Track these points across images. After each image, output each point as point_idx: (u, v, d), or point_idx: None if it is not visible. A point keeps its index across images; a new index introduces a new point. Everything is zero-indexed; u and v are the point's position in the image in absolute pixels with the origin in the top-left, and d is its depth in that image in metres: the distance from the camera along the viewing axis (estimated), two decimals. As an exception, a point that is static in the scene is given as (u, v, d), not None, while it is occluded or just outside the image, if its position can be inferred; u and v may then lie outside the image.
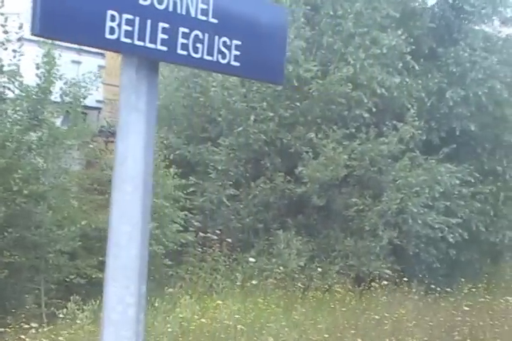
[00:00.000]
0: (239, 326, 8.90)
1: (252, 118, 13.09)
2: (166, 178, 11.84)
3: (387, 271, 13.09)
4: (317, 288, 12.29)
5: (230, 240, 12.35)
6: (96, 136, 15.11)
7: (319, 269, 13.01)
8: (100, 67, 14.49)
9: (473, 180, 13.87)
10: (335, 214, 13.63)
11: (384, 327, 9.46)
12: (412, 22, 14.32)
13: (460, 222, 13.72)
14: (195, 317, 9.28)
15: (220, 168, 13.19)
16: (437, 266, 13.69)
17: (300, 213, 13.65)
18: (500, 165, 14.49)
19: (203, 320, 9.17)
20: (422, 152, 13.90)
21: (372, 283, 12.47)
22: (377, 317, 9.85)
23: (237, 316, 9.50)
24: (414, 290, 12.42)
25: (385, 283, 12.12)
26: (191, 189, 13.31)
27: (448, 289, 13.29)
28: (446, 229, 13.36)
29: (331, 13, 13.45)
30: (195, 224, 12.33)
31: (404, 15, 14.14)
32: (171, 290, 10.77)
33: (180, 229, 11.98)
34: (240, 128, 13.20)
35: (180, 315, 9.49)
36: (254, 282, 11.80)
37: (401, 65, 13.62)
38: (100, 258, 11.13)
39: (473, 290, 13.04)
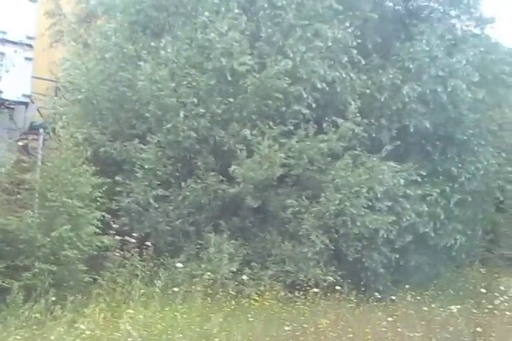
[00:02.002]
0: (139, 339, 8.44)
1: (182, 114, 12.65)
2: (79, 176, 11.31)
3: (328, 278, 12.67)
4: (249, 296, 11.89)
5: (149, 243, 11.88)
6: (26, 133, 14.53)
7: (252, 275, 12.60)
8: (27, 59, 13.91)
9: (419, 180, 13.44)
10: (271, 216, 13.31)
11: (300, 338, 9.04)
12: (359, 13, 13.86)
13: (406, 225, 13.30)
14: (95, 328, 8.81)
15: (147, 166, 12.79)
16: (381, 272, 13.31)
17: (235, 215, 13.32)
18: (453, 165, 14.09)
19: (102, 333, 8.70)
20: (369, 150, 13.53)
21: (310, 291, 12.07)
22: (298, 327, 9.42)
23: (142, 327, 9.04)
24: (353, 298, 12.04)
25: (317, 290, 11.68)
26: (118, 189, 12.79)
27: (393, 297, 12.87)
28: (386, 230, 12.89)
29: (268, 5, 13.00)
30: (114, 226, 11.79)
31: (349, 7, 13.68)
32: (81, 297, 10.29)
33: (99, 231, 11.44)
34: (169, 125, 12.80)
35: (82, 326, 9.02)
36: (176, 289, 11.34)
37: (346, 59, 13.20)
38: (11, 263, 10.58)
39: (418, 298, 12.66)
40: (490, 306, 13.05)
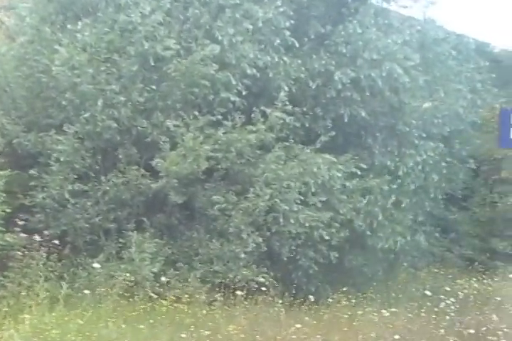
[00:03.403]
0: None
1: (100, 102, 11.99)
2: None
3: (259, 279, 12.08)
4: (169, 298, 11.30)
5: (62, 242, 11.24)
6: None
7: (178, 276, 12.03)
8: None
9: (359, 172, 12.83)
10: (198, 213, 12.75)
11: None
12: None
13: (343, 221, 12.71)
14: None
15: (63, 159, 12.17)
16: (315, 273, 12.73)
17: (160, 212, 12.77)
18: (392, 159, 13.48)
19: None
20: (303, 142, 12.97)
21: (238, 292, 11.51)
22: (199, 334, 8.81)
23: (31, 334, 8.42)
24: (281, 301, 11.48)
25: (241, 293, 11.10)
26: (32, 183, 12.14)
27: (329, 300, 12.32)
28: (322, 228, 12.32)
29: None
30: (20, 223, 11.14)
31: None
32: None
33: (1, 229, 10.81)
34: (87, 114, 12.11)
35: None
36: (87, 291, 10.73)
37: (278, 41, 12.58)
38: None
39: (354, 301, 12.08)
40: (435, 309, 12.60)
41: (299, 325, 9.69)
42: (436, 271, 17.76)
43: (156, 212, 12.69)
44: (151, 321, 9.60)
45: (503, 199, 20.80)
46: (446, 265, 19.12)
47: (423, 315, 11.56)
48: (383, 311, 11.29)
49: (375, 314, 11.34)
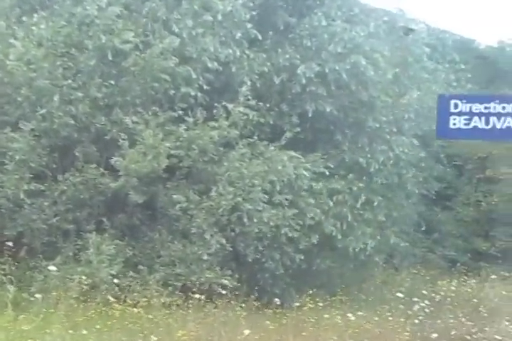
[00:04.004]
0: None
1: (57, 98, 11.61)
2: None
3: (223, 281, 11.71)
4: (126, 302, 10.92)
5: (11, 244, 10.82)
6: None
7: (139, 279, 11.66)
8: None
9: (327, 172, 12.45)
10: (160, 213, 12.33)
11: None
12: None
13: (311, 223, 12.33)
14: None
15: (18, 157, 11.76)
16: (282, 275, 12.38)
17: (121, 212, 12.36)
18: (363, 155, 13.10)
19: None
20: (270, 139, 12.58)
21: (196, 296, 11.14)
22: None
23: None
24: (244, 305, 11.10)
25: (199, 296, 10.72)
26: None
27: (296, 303, 11.92)
28: (288, 227, 11.94)
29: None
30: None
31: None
32: None
33: None
34: (44, 111, 11.70)
35: None
36: (38, 295, 10.36)
37: (239, 35, 12.21)
38: None
39: (321, 304, 11.70)
40: (408, 312, 12.24)
41: (247, 331, 9.27)
42: (415, 272, 17.40)
43: (116, 212, 12.34)
44: (98, 326, 9.18)
45: (487, 199, 20.49)
46: (427, 266, 18.77)
47: (391, 318, 11.20)
48: (349, 315, 10.89)
49: (341, 318, 10.94)
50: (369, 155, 13.39)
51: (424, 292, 13.86)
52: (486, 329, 11.03)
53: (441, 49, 15.26)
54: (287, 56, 12.85)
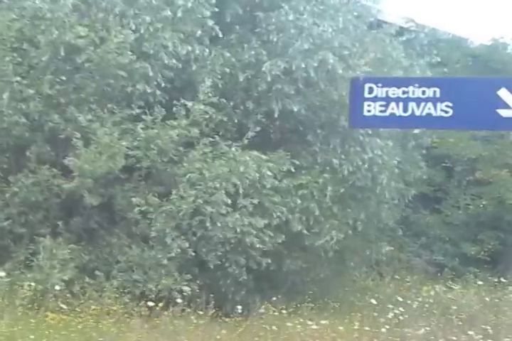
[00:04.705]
0: None
1: (6, 96, 11.16)
2: None
3: (184, 288, 11.23)
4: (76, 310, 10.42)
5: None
6: None
7: (95, 286, 11.20)
8: None
9: (293, 170, 11.97)
10: (119, 216, 11.85)
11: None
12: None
13: (278, 223, 11.83)
14: None
15: (-35, 158, 11.23)
16: (246, 281, 11.87)
17: (77, 215, 11.83)
18: (336, 156, 12.56)
19: None
20: (234, 139, 12.07)
21: (150, 303, 10.70)
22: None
23: None
24: (202, 313, 10.62)
25: (159, 303, 10.29)
26: None
27: (261, 310, 11.45)
28: (254, 233, 11.42)
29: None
30: None
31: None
32: None
33: None
34: (-8, 109, 11.25)
35: None
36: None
37: (200, 32, 11.73)
38: None
39: (284, 311, 11.22)
40: (381, 320, 11.77)
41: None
42: (398, 278, 16.85)
43: (72, 215, 11.89)
44: (32, 337, 8.68)
45: (475, 202, 19.94)
46: (413, 271, 18.26)
47: (356, 327, 10.67)
48: (310, 323, 10.36)
49: (301, 326, 10.42)
50: (343, 156, 12.84)
51: (400, 298, 13.37)
52: (454, 338, 10.49)
53: (418, 45, 14.63)
54: (253, 52, 12.35)
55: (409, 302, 13.29)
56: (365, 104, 7.40)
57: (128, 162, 11.52)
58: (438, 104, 7.28)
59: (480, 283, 16.46)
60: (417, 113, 7.31)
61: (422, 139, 16.36)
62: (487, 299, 14.88)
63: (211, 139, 11.78)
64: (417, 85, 7.36)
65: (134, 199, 11.49)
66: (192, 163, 11.64)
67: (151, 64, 11.65)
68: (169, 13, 11.75)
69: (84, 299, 10.85)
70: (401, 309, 12.58)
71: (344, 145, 12.85)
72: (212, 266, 11.66)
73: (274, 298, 11.65)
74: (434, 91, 7.30)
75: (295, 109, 12.23)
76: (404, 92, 7.37)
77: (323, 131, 12.88)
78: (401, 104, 7.35)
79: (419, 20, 22.30)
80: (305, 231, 12.22)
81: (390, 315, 12.17)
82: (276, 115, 12.27)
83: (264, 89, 12.29)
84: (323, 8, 12.65)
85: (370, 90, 7.41)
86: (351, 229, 13.13)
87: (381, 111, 7.38)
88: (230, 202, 11.56)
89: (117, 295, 11.00)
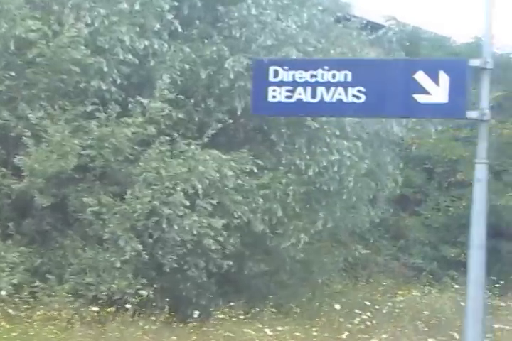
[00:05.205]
0: None
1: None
2: None
3: (139, 292, 10.83)
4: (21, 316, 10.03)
5: None
6: None
7: (47, 290, 10.83)
8: None
9: (255, 170, 11.60)
10: (72, 217, 11.47)
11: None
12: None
13: (239, 224, 11.44)
14: None
15: None
16: (205, 284, 11.54)
17: (29, 216, 11.43)
18: (302, 157, 12.17)
19: None
20: (195, 138, 11.66)
21: (110, 308, 10.41)
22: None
23: None
24: (154, 319, 10.25)
25: (96, 309, 9.88)
26: None
27: (220, 315, 11.09)
28: (212, 234, 11.03)
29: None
30: None
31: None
32: None
33: None
34: None
35: None
36: None
37: (158, 26, 11.34)
38: None
39: (241, 317, 10.84)
40: (347, 326, 11.40)
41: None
42: (372, 281, 16.44)
43: (24, 216, 11.49)
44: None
45: (456, 203, 19.55)
46: (390, 275, 17.85)
47: (315, 333, 10.27)
48: (266, 330, 9.98)
49: (260, 332, 10.03)
50: (308, 157, 12.44)
51: (369, 303, 12.96)
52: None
53: (387, 41, 14.19)
54: (215, 48, 11.95)
55: (378, 307, 12.88)
56: (270, 88, 6.74)
57: (81, 161, 11.13)
58: (349, 89, 6.64)
59: (457, 286, 16.07)
60: (327, 99, 6.65)
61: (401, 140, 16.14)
62: (462, 304, 14.45)
63: (168, 138, 11.38)
64: (326, 68, 6.67)
65: (85, 200, 11.09)
66: (148, 162, 11.25)
67: (106, 59, 11.28)
68: (126, 5, 11.36)
69: (33, 304, 10.50)
70: (369, 314, 12.21)
71: (310, 146, 12.44)
72: (168, 269, 11.29)
73: (236, 303, 11.27)
74: (345, 75, 6.65)
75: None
76: (312, 76, 6.68)
77: (288, 130, 12.47)
78: (309, 89, 6.69)
79: (405, 19, 22.11)
80: (268, 233, 11.84)
81: (357, 320, 11.80)
82: (239, 113, 11.86)
83: (227, 86, 11.89)
84: (287, 2, 12.26)
85: (276, 73, 6.74)
86: (320, 231, 12.80)
87: (287, 97, 6.74)
88: (188, 203, 11.19)
89: (68, 300, 10.65)
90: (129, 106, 11.28)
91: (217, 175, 11.30)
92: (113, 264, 11.00)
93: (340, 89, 6.64)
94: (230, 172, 11.40)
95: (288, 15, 12.06)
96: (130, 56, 11.27)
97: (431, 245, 19.42)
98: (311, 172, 12.42)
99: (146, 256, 11.10)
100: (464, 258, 18.65)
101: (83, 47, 11.07)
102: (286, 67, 6.74)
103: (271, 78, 6.73)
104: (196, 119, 11.88)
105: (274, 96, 6.73)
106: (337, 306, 12.00)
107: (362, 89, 6.63)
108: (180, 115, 11.55)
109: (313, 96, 6.67)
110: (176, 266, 11.27)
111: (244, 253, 11.96)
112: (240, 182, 11.53)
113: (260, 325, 10.59)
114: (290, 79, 6.71)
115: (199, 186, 11.16)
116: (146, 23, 11.51)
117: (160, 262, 11.31)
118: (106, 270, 11.05)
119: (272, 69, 6.74)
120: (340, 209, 13.13)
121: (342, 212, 13.17)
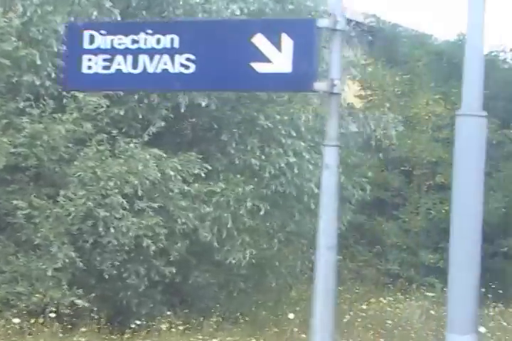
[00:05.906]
0: None
1: None
2: None
3: (74, 301, 10.21)
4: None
5: None
6: None
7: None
8: None
9: (203, 174, 10.91)
10: (3, 221, 10.82)
11: None
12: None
13: (184, 231, 10.78)
14: None
15: None
16: (146, 292, 10.88)
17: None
18: (256, 158, 11.49)
19: None
20: (137, 136, 11.00)
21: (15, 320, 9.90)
22: None
23: None
24: (87, 330, 9.58)
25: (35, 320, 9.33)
26: None
27: (162, 326, 10.48)
28: (153, 237, 10.40)
29: None
30: None
31: None
32: None
33: None
34: None
35: None
36: None
37: (95, 13, 10.67)
38: None
39: (181, 327, 10.22)
40: (302, 336, 10.73)
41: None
42: (340, 289, 15.72)
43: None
44: None
45: (436, 207, 18.88)
46: (363, 282, 17.19)
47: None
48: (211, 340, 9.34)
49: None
50: (263, 157, 11.75)
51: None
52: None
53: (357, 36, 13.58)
54: (160, 41, 11.27)
55: (337, 316, 12.16)
56: (85, 57, 5.56)
57: (12, 160, 10.48)
58: (176, 57, 5.44)
59: (429, 294, 15.44)
60: (150, 69, 5.47)
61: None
62: (432, 312, 13.81)
63: (107, 136, 10.72)
64: (150, 32, 5.48)
65: (16, 202, 10.42)
66: (85, 162, 10.59)
67: (39, 51, 10.62)
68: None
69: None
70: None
71: (263, 147, 11.75)
72: (107, 276, 10.63)
73: (179, 313, 10.62)
74: (172, 40, 5.46)
75: (203, 104, 11.15)
76: (134, 41, 5.50)
77: (239, 129, 11.80)
78: (130, 58, 5.51)
79: (386, 17, 21.56)
80: (215, 244, 11.13)
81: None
82: (182, 110, 11.18)
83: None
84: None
85: (91, 39, 5.58)
86: (276, 239, 12.15)
87: (105, 68, 5.55)
88: (127, 205, 10.53)
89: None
90: (65, 100, 10.61)
91: (159, 175, 10.66)
92: (45, 272, 10.35)
93: (166, 57, 5.47)
94: (172, 172, 10.74)
95: (235, 3, 11.39)
96: (65, 48, 10.61)
97: (409, 250, 18.77)
98: (266, 174, 11.76)
99: (81, 264, 10.45)
100: (442, 264, 18.11)
101: (14, 39, 10.44)
102: (103, 32, 5.58)
103: (86, 45, 5.59)
104: (140, 117, 11.22)
105: (89, 67, 5.58)
106: (291, 315, 11.33)
107: (191, 56, 5.47)
108: (121, 112, 10.89)
109: (135, 66, 5.53)
110: (115, 273, 10.63)
111: (191, 261, 11.28)
112: (186, 187, 10.86)
113: (202, 336, 9.94)
114: (108, 46, 5.56)
115: (138, 186, 10.51)
116: (83, 13, 10.86)
117: (99, 269, 10.67)
118: (40, 278, 10.41)
119: (86, 33, 5.59)
120: (300, 212, 12.43)
121: (302, 215, 12.47)
